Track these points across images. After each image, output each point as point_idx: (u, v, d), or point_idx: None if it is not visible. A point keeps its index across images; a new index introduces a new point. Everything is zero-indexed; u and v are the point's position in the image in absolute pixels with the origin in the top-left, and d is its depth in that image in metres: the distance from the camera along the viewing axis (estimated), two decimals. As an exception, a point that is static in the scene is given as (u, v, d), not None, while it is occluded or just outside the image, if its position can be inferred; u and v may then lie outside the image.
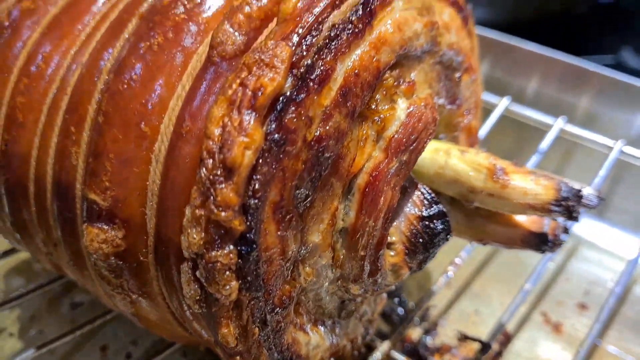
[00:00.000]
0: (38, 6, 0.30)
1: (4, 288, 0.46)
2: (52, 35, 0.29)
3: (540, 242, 0.30)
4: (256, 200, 0.22)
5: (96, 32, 0.28)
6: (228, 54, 0.24)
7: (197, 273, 0.23)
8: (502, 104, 0.48)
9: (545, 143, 0.45)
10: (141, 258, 0.26)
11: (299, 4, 0.23)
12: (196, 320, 0.26)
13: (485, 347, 0.36)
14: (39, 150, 0.28)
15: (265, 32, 0.24)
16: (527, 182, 0.28)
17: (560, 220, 0.31)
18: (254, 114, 0.21)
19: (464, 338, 0.39)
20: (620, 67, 0.68)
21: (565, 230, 0.31)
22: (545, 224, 0.30)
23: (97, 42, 0.28)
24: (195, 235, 0.22)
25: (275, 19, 0.25)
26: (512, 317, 0.39)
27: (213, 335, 0.24)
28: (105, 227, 0.25)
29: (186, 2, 0.26)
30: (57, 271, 0.35)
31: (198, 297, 0.24)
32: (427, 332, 0.42)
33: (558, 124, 0.46)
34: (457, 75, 0.32)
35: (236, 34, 0.24)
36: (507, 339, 0.41)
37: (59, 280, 0.43)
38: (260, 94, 0.21)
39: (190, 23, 0.25)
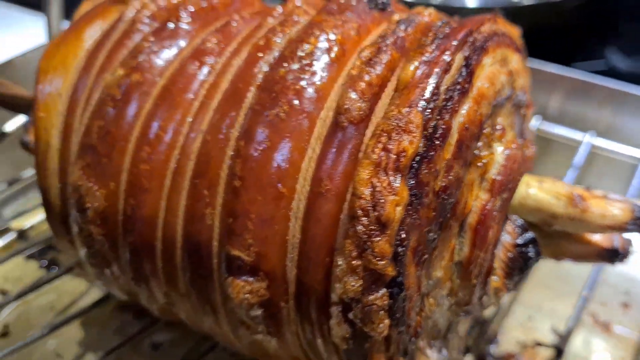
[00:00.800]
0: (146, 78, 0.33)
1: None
2: (165, 105, 0.32)
3: (613, 255, 0.34)
4: (403, 248, 0.25)
5: (210, 101, 0.31)
6: (355, 119, 0.27)
7: (351, 315, 0.26)
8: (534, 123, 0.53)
9: (579, 158, 0.49)
10: (282, 304, 0.29)
11: (417, 73, 0.27)
12: (336, 356, 0.29)
13: (559, 352, 0.40)
14: (166, 212, 0.31)
15: (383, 96, 0.28)
16: (604, 206, 0.32)
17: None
18: (399, 174, 0.25)
19: (535, 345, 0.43)
20: (613, 72, 0.73)
21: (630, 243, 0.35)
22: (614, 239, 0.34)
23: (214, 110, 0.31)
24: (353, 283, 0.25)
25: (388, 84, 0.28)
26: (565, 321, 0.43)
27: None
28: (250, 279, 0.28)
29: (302, 75, 0.29)
30: (167, 316, 0.37)
31: (347, 336, 0.27)
32: (490, 341, 0.46)
33: (587, 139, 0.51)
34: (523, 111, 0.36)
35: (360, 100, 0.27)
36: (565, 342, 0.45)
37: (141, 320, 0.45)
38: (403, 157, 0.25)
39: (310, 91, 0.29)
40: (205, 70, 0.33)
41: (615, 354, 0.45)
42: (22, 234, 0.57)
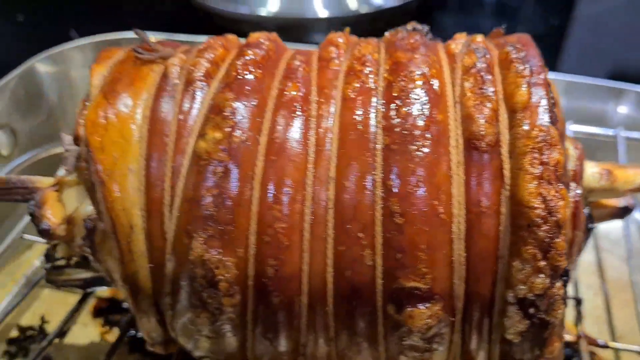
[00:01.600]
0: (248, 136, 0.32)
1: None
2: (279, 159, 0.32)
3: (625, 212, 0.43)
4: (569, 242, 0.30)
5: (323, 148, 0.32)
6: (492, 142, 0.31)
7: (531, 310, 0.30)
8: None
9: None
10: (450, 319, 0.32)
11: (532, 94, 0.32)
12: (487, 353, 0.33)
13: (578, 301, 0.49)
14: (310, 265, 0.32)
15: (501, 119, 0.32)
16: (626, 174, 0.40)
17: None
18: (560, 182, 0.29)
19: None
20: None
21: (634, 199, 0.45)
22: (624, 199, 0.43)
23: (337, 156, 0.32)
24: (540, 282, 0.29)
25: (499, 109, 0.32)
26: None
27: (534, 354, 0.32)
28: (428, 304, 0.31)
29: (421, 111, 0.32)
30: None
31: (525, 329, 0.31)
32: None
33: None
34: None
35: (490, 125, 0.31)
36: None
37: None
38: (558, 167, 0.29)
39: (434, 125, 0.32)
40: (299, 120, 0.33)
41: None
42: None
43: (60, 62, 0.63)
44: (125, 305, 0.54)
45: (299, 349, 0.35)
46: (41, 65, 0.62)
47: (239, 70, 0.34)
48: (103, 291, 0.55)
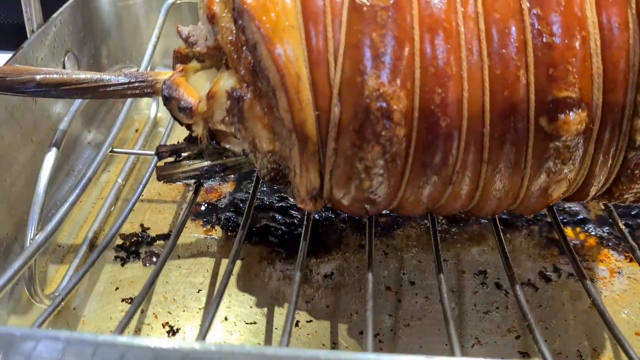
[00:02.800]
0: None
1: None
2: (430, 4, 0.36)
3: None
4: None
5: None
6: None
7: (662, 107, 0.36)
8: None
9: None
10: (592, 127, 0.37)
11: None
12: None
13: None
14: (469, 91, 0.36)
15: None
16: None
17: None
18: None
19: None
20: None
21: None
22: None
23: (481, -5, 0.36)
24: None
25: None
26: None
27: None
28: (578, 111, 0.36)
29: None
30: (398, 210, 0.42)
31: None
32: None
33: None
34: None
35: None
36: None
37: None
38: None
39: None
40: None
41: None
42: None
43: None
44: (221, 204, 0.56)
45: (447, 188, 0.40)
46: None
47: None
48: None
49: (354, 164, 0.38)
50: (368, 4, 0.36)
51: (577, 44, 0.35)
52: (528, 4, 0.36)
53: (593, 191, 0.42)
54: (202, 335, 0.36)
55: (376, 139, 0.36)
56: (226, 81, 0.41)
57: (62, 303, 0.38)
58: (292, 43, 0.37)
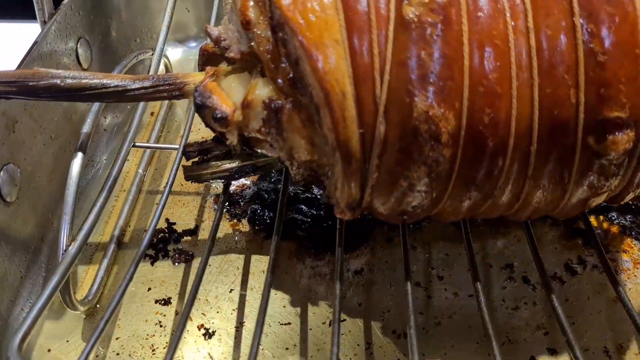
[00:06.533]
0: (449, -2, 0.36)
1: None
2: (483, 16, 0.36)
3: None
4: None
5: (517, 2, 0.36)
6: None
7: None
8: None
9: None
10: (637, 143, 0.38)
11: None
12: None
13: None
14: (518, 110, 0.36)
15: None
16: None
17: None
18: None
19: None
20: None
21: None
22: None
23: (532, 9, 0.36)
24: None
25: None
26: None
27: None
28: (626, 131, 0.36)
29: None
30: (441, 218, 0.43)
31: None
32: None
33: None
34: None
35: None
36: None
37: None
38: None
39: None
40: None
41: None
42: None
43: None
44: (247, 194, 0.57)
45: (487, 201, 0.40)
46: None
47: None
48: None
49: (398, 181, 0.38)
50: (416, 20, 0.35)
51: (630, 62, 0.35)
52: (581, 20, 0.35)
53: (628, 197, 0.43)
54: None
55: (423, 160, 0.37)
56: (262, 90, 0.41)
57: (107, 323, 0.39)
58: (337, 59, 0.36)
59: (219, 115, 0.41)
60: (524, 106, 0.36)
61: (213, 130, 0.44)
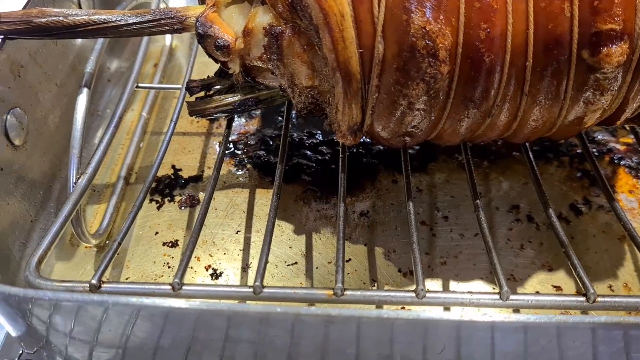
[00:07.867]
0: None
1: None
2: None
3: None
4: None
5: None
6: None
7: None
8: None
9: None
10: (630, 57, 0.38)
11: None
12: None
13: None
14: (513, 24, 0.37)
15: None
16: None
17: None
18: None
19: None
20: None
21: None
22: None
23: None
24: None
25: None
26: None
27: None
28: (620, 43, 0.37)
29: None
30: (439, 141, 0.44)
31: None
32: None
33: None
34: None
35: None
36: None
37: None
38: None
39: None
40: None
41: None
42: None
43: None
44: (252, 140, 0.58)
45: (485, 120, 0.42)
46: None
47: None
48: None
49: (397, 100, 0.40)
50: (412, -62, 0.37)
51: (623, -25, 0.37)
52: None
53: (624, 117, 0.44)
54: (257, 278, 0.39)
55: (421, 77, 0.38)
56: (262, 17, 0.42)
57: (119, 247, 0.41)
58: (335, -19, 0.38)
59: (220, 44, 0.43)
60: (519, 21, 0.38)
61: (215, 60, 0.45)
